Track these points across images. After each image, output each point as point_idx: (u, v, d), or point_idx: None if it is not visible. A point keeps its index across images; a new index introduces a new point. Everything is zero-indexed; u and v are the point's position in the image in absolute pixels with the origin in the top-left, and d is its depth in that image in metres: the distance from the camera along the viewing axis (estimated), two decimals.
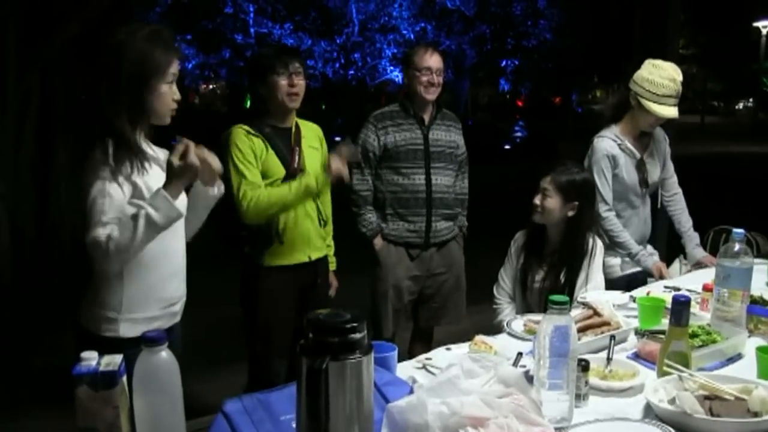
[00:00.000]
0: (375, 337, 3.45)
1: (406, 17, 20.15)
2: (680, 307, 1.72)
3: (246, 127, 2.77)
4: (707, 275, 2.65)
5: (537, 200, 2.68)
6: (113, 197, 1.86)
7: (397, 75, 20.91)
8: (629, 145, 3.13)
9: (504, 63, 24.36)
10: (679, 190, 3.39)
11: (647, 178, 3.20)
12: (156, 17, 17.86)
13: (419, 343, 3.67)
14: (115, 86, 1.91)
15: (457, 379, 1.43)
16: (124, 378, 1.44)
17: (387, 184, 3.34)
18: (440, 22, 20.55)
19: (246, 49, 20.12)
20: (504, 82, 28.55)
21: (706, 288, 2.40)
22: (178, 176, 1.82)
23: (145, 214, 1.80)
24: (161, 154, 2.09)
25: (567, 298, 1.55)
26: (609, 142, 3.11)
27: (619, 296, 2.51)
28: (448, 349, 2.10)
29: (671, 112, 2.98)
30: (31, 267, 6.04)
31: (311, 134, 2.94)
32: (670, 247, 4.23)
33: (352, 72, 21.30)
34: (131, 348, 1.87)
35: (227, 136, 2.76)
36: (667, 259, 3.60)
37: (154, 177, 1.96)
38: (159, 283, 2.03)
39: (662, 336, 1.87)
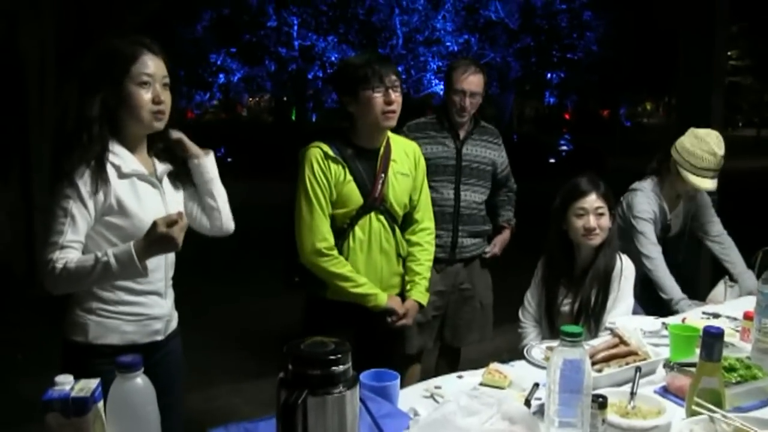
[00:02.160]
0: (401, 353, 3.35)
1: (450, 30, 20.07)
2: (711, 340, 1.56)
3: (325, 148, 2.42)
4: (752, 302, 2.45)
5: (593, 222, 2.48)
6: (76, 220, 1.81)
7: (441, 88, 20.80)
8: (665, 206, 3.17)
9: (549, 76, 24.02)
10: (724, 231, 3.36)
11: (665, 234, 3.23)
12: (200, 30, 18.20)
13: (446, 361, 3.57)
14: (85, 89, 1.86)
15: (454, 416, 1.31)
16: (100, 404, 1.36)
17: None
18: (484, 35, 20.39)
19: (290, 62, 20.30)
20: (549, 95, 28.16)
21: (748, 316, 2.21)
22: (156, 243, 1.73)
23: (105, 262, 1.75)
24: (160, 167, 2.01)
25: (581, 329, 1.41)
26: (652, 198, 3.13)
27: (651, 322, 2.34)
28: (459, 377, 1.98)
29: (708, 184, 3.01)
30: None
31: (403, 156, 2.55)
32: (715, 268, 4.02)
33: None
34: (101, 356, 1.84)
35: (303, 153, 2.45)
36: (712, 282, 3.41)
37: (129, 191, 1.89)
38: (131, 298, 1.95)
39: (694, 369, 1.70)
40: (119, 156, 1.89)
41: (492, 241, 3.52)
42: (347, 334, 2.48)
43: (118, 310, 1.93)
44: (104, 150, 1.86)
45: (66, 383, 1.34)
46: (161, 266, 1.99)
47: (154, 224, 1.72)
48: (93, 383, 1.36)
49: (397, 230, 2.56)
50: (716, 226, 3.35)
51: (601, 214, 2.49)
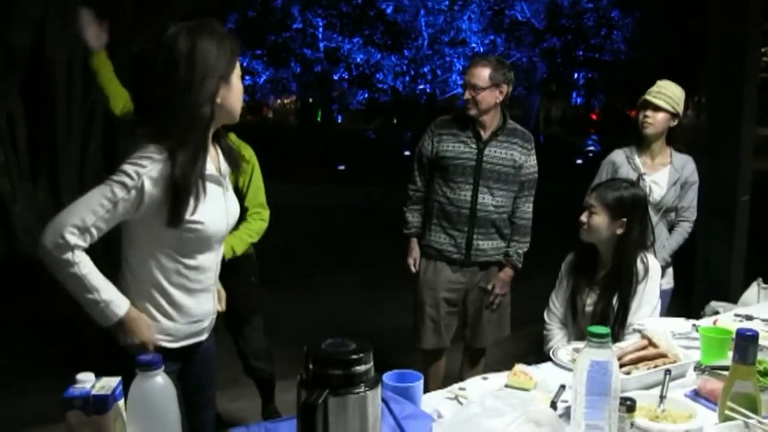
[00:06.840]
0: (416, 347, 3.40)
1: (475, 30, 19.97)
2: (745, 342, 1.51)
3: None
4: None
5: (584, 218, 2.52)
6: (117, 210, 1.72)
7: None
8: (636, 159, 3.40)
9: (576, 75, 23.79)
10: (688, 222, 3.44)
11: (648, 196, 3.22)
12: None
13: (468, 361, 3.55)
14: (202, 68, 1.71)
15: (478, 418, 1.28)
16: (121, 402, 1.36)
17: (436, 194, 3.30)
18: (510, 35, 20.26)
19: (315, 63, 20.36)
20: (576, 95, 27.91)
21: None
22: (133, 333, 1.80)
23: (97, 302, 1.75)
24: (224, 164, 1.92)
25: (608, 330, 1.37)
26: (618, 152, 3.48)
27: (681, 324, 2.28)
28: (485, 378, 1.94)
29: (652, 99, 3.28)
30: None
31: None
32: (748, 269, 3.93)
33: (421, 86, 21.26)
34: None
35: None
36: (745, 282, 3.33)
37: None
38: (184, 301, 1.89)
39: (726, 373, 1.65)
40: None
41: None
42: None
43: (170, 313, 1.88)
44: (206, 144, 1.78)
45: (87, 381, 1.34)
46: (212, 266, 1.94)
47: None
48: (114, 381, 1.35)
49: None
50: (684, 212, 3.41)
51: (593, 213, 2.50)
